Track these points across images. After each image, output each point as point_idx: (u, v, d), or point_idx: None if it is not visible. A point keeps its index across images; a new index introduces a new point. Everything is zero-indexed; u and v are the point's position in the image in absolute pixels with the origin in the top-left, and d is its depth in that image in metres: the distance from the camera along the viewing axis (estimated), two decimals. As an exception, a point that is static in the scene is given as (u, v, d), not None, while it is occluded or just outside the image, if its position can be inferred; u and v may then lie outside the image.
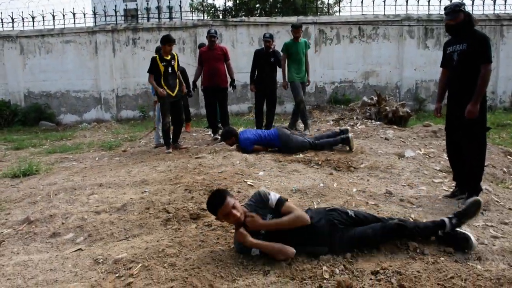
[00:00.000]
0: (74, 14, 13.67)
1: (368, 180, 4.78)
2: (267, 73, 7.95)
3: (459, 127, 4.08)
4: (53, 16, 13.60)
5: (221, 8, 17.67)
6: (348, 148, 6.10)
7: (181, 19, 13.85)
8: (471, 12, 4.23)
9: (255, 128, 7.95)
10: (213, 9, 17.73)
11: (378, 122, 8.58)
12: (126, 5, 15.01)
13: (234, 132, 6.43)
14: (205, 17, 15.70)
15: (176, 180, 4.85)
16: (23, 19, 13.85)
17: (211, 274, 2.63)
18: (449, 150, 4.38)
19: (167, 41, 6.79)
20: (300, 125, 8.35)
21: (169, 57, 6.87)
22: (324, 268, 2.63)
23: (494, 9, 13.35)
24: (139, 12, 14.63)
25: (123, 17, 15.22)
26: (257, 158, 5.58)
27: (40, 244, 3.58)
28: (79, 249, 3.36)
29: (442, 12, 11.15)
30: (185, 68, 8.78)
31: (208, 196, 3.04)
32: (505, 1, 13.47)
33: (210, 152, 6.42)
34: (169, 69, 6.82)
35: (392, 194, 4.19)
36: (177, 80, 7.00)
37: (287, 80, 7.96)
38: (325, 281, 2.52)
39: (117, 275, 2.81)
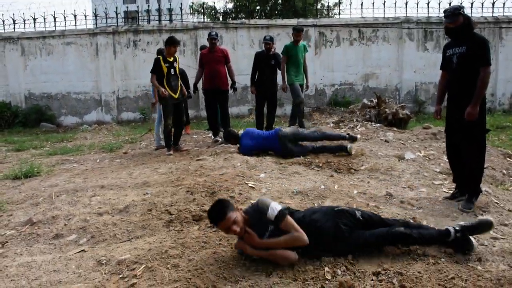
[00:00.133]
0: (75, 16, 13.73)
1: (368, 182, 4.81)
2: (267, 76, 8.00)
3: (459, 130, 4.11)
4: (54, 18, 13.65)
5: (222, 11, 17.74)
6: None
7: (182, 21, 13.90)
8: (470, 15, 4.27)
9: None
10: (213, 11, 17.81)
11: (378, 124, 8.61)
12: (127, 7, 15.03)
13: (235, 135, 6.48)
14: (206, 20, 15.75)
15: (177, 182, 4.87)
16: (24, 20, 13.90)
17: (214, 275, 2.66)
18: (449, 152, 4.41)
19: (172, 43, 6.85)
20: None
21: (172, 59, 6.92)
22: (326, 269, 2.66)
23: (493, 11, 13.42)
24: (140, 14, 14.67)
25: (123, 19, 15.25)
26: (258, 160, 5.61)
27: (43, 245, 3.60)
28: (82, 250, 3.38)
29: (441, 14, 11.18)
30: (185, 70, 8.81)
31: (211, 204, 2.95)
32: (504, 4, 13.54)
33: (211, 154, 6.44)
34: (172, 70, 6.87)
35: (393, 196, 4.22)
36: (179, 82, 7.05)
37: (286, 83, 8.01)
38: (327, 281, 2.55)
39: (120, 276, 2.84)
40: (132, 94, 13.56)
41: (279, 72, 8.09)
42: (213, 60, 7.72)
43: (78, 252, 3.36)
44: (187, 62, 12.24)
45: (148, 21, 15.13)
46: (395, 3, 13.46)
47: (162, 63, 6.80)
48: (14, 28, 13.90)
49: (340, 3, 15.95)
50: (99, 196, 4.73)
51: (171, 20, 15.20)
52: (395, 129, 8.16)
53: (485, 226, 2.91)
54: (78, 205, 4.49)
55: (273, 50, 8.03)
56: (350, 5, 18.60)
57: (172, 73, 6.89)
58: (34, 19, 13.74)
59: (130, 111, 13.60)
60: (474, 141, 4.02)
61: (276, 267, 2.74)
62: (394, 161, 5.63)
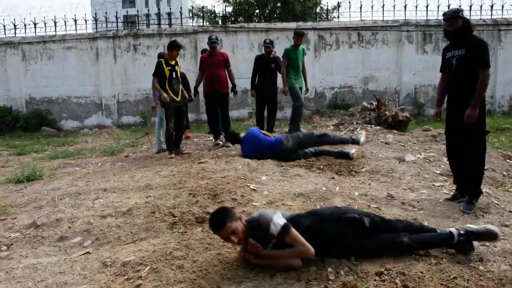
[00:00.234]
0: (75, 20, 13.80)
1: (369, 184, 4.85)
2: (267, 79, 8.05)
3: (458, 132, 4.15)
4: (55, 23, 13.73)
5: (221, 14, 17.81)
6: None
7: (182, 25, 13.97)
8: (468, 18, 4.32)
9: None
10: (212, 15, 17.88)
11: (378, 127, 8.65)
12: (127, 11, 15.10)
13: (238, 138, 6.50)
14: (205, 23, 15.82)
15: (180, 185, 4.90)
16: (25, 25, 13.97)
17: (219, 276, 2.69)
18: (449, 154, 4.45)
19: (175, 47, 6.91)
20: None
21: (174, 62, 6.98)
22: (329, 269, 2.68)
23: (491, 14, 13.50)
24: (140, 19, 14.74)
25: (122, 24, 15.32)
26: (260, 163, 5.64)
27: (48, 248, 3.63)
28: (87, 252, 3.41)
29: (440, 17, 11.22)
30: (185, 73, 8.85)
31: (213, 211, 2.95)
32: (502, 7, 13.64)
33: (213, 157, 6.47)
34: (173, 74, 6.94)
35: (394, 198, 4.26)
36: (180, 85, 7.10)
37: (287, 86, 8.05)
38: (330, 282, 2.58)
39: (126, 277, 2.87)
40: (132, 98, 13.61)
41: (279, 76, 8.14)
42: (214, 64, 7.75)
43: (83, 254, 3.39)
44: (187, 66, 12.29)
45: (148, 25, 15.19)
46: (394, 6, 13.54)
47: (164, 66, 6.85)
48: (15, 33, 13.99)
49: (339, 6, 16.04)
50: (102, 199, 4.76)
51: (170, 24, 15.27)
52: (395, 131, 8.20)
53: (490, 236, 2.89)
54: (81, 208, 4.52)
55: (273, 53, 8.08)
56: (349, 8, 18.52)
57: (174, 76, 6.95)
58: (35, 24, 13.82)
59: (130, 115, 13.65)
60: (473, 143, 4.05)
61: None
62: (394, 163, 5.67)
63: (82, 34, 13.76)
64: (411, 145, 6.95)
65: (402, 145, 6.84)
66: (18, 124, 13.26)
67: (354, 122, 9.25)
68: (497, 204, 4.13)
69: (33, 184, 6.17)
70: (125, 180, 5.62)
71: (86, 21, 14.00)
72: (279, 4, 18.37)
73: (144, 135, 9.66)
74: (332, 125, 9.38)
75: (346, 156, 5.87)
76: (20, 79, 13.61)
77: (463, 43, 4.07)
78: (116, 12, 13.59)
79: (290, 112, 8.66)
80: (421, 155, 6.23)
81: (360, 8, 13.58)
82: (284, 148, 5.98)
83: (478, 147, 4.08)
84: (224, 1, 18.62)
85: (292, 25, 13.38)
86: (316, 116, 11.32)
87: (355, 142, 6.32)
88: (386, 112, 8.86)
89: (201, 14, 16.80)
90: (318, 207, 3.92)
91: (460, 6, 12.79)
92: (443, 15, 4.21)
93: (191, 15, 15.07)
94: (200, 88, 8.22)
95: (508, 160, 6.19)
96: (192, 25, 14.09)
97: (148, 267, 2.90)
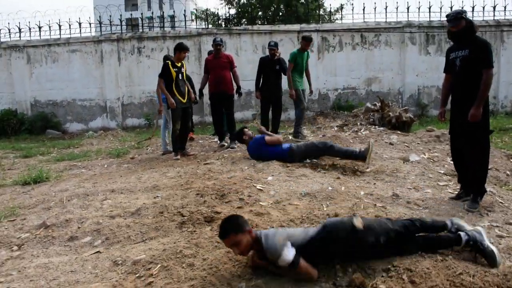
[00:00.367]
0: (80, 23, 13.92)
1: (374, 183, 4.90)
2: (272, 81, 8.12)
3: (462, 134, 4.20)
4: (59, 26, 13.84)
5: (224, 17, 17.89)
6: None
7: (186, 27, 14.06)
8: (471, 19, 4.36)
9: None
10: (215, 18, 17.95)
11: (382, 128, 8.70)
12: (131, 14, 15.19)
13: (247, 138, 6.38)
14: (209, 26, 15.90)
15: (187, 186, 4.95)
16: (30, 29, 14.07)
17: (229, 273, 2.74)
18: (453, 155, 4.51)
19: (182, 49, 7.02)
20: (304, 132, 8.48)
21: (180, 64, 7.07)
22: (337, 266, 2.73)
23: (494, 15, 13.53)
24: (144, 22, 14.82)
25: (125, 27, 15.40)
26: (265, 164, 5.68)
27: (59, 247, 3.68)
28: (97, 251, 3.46)
29: (443, 19, 11.18)
30: (190, 77, 8.91)
31: (224, 218, 2.94)
32: (505, 8, 13.67)
33: (218, 158, 6.53)
34: (180, 75, 7.02)
35: (399, 197, 4.31)
36: (186, 87, 7.18)
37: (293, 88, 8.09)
38: (338, 278, 2.63)
39: (137, 275, 2.92)
40: (136, 100, 13.70)
41: (283, 77, 8.20)
42: (218, 66, 7.82)
43: (94, 253, 3.44)
44: (191, 68, 12.37)
45: (149, 28, 15.28)
46: (397, 8, 13.59)
47: (171, 68, 6.94)
48: (19, 36, 14.10)
49: (342, 8, 16.10)
50: (110, 199, 4.82)
51: (172, 27, 15.37)
52: (398, 132, 8.25)
53: (490, 261, 2.77)
54: (90, 209, 4.58)
55: (277, 55, 8.14)
56: (352, 10, 18.77)
57: (180, 78, 7.04)
58: (40, 27, 13.93)
59: (135, 117, 13.74)
60: (477, 144, 4.09)
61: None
62: (399, 163, 5.72)
63: (86, 37, 13.88)
64: (415, 145, 6.99)
65: (406, 146, 6.88)
66: (23, 127, 13.36)
67: (358, 123, 9.30)
68: (501, 202, 4.17)
69: (40, 186, 6.22)
70: (132, 181, 5.68)
71: (90, 24, 14.09)
72: (282, 6, 18.43)
73: (147, 139, 9.71)
74: (336, 126, 9.42)
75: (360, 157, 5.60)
76: (25, 82, 13.72)
77: (466, 43, 4.12)
78: (121, 15, 13.69)
79: (293, 114, 8.71)
80: (425, 155, 6.28)
81: (363, 10, 13.65)
82: (292, 155, 5.90)
83: (482, 147, 4.12)
84: (227, 4, 18.71)
85: (296, 27, 13.47)
86: (320, 118, 11.36)
87: (361, 156, 5.80)
88: (390, 113, 8.91)
89: (204, 16, 16.86)
90: (324, 206, 3.97)
91: (463, 7, 12.87)
92: (447, 16, 4.26)
93: (192, 19, 15.15)
94: (205, 90, 8.27)
95: (511, 160, 6.22)
96: (196, 28, 14.18)
97: (159, 265, 2.95)
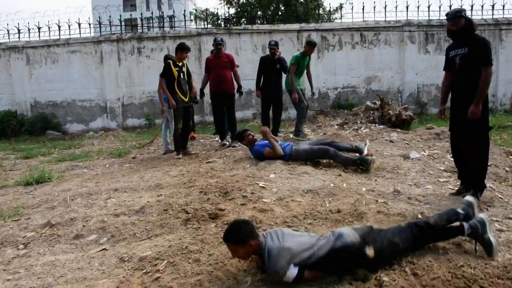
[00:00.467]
0: (79, 24, 13.94)
1: (375, 180, 4.95)
2: (273, 80, 8.16)
3: (462, 132, 4.26)
4: (59, 27, 13.83)
5: (223, 17, 17.92)
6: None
7: (185, 27, 14.09)
8: (470, 17, 4.42)
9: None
10: (215, 18, 17.99)
11: (382, 126, 8.76)
12: (131, 14, 15.22)
13: (249, 139, 6.27)
14: (208, 26, 15.93)
15: (190, 184, 5.00)
16: (29, 29, 14.06)
17: (235, 268, 2.79)
18: (453, 151, 4.56)
19: (184, 49, 7.10)
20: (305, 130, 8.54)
21: (181, 63, 7.13)
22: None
23: (492, 13, 13.59)
24: (144, 22, 14.85)
25: (125, 27, 15.43)
26: (267, 162, 5.73)
27: (65, 245, 3.73)
28: (103, 249, 3.50)
29: (442, 17, 11.23)
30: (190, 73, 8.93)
31: (231, 222, 2.93)
32: (503, 6, 13.72)
33: (220, 157, 6.58)
34: (181, 74, 7.09)
35: (400, 193, 4.36)
36: (188, 86, 7.24)
37: (290, 88, 8.12)
38: (342, 273, 2.68)
39: (144, 271, 2.97)
40: (137, 100, 13.72)
41: (284, 76, 8.25)
42: (219, 66, 7.86)
43: (100, 250, 3.48)
44: (191, 68, 12.15)
45: (149, 28, 15.32)
46: (396, 7, 13.63)
47: (173, 67, 6.99)
48: (19, 37, 14.09)
49: (341, 7, 16.16)
50: (114, 198, 4.86)
51: (171, 27, 15.40)
52: (398, 130, 8.31)
53: (488, 250, 2.84)
54: (94, 208, 4.62)
55: (278, 54, 8.19)
56: (352, 9, 18.84)
57: (182, 77, 7.12)
58: (39, 28, 13.93)
59: (135, 118, 13.77)
60: (476, 141, 4.16)
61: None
62: (399, 160, 5.78)
63: (86, 37, 13.89)
64: (415, 143, 7.05)
65: (406, 143, 6.93)
66: (23, 128, 13.35)
67: (358, 122, 9.36)
68: (500, 198, 4.23)
69: (42, 186, 6.26)
70: (135, 180, 5.73)
71: (90, 24, 14.10)
72: (281, 6, 18.48)
73: (150, 142, 9.70)
74: (337, 125, 9.48)
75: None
76: (25, 83, 13.73)
77: (466, 42, 4.17)
78: (120, 16, 13.72)
79: (294, 113, 8.75)
80: (425, 152, 6.34)
81: (363, 9, 13.69)
82: (293, 157, 5.86)
83: (481, 144, 4.18)
84: (226, 3, 18.75)
85: (295, 26, 13.52)
86: (320, 116, 11.42)
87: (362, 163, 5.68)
88: (390, 111, 8.96)
89: (204, 16, 16.90)
90: (326, 202, 4.02)
91: (461, 6, 12.91)
92: (446, 15, 4.32)
93: (191, 19, 15.16)
94: (206, 90, 8.31)
95: (510, 157, 6.29)
96: (196, 28, 14.21)
97: (165, 261, 3.00)
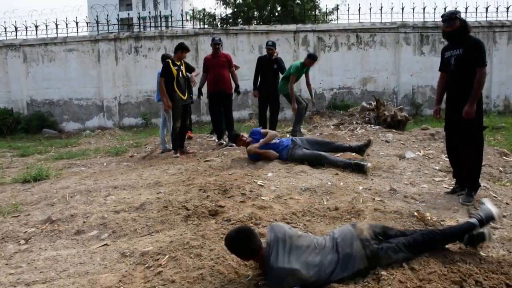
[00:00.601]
0: (77, 23, 13.93)
1: (372, 179, 5.02)
2: (270, 80, 8.23)
3: (456, 132, 4.35)
4: (56, 25, 13.84)
5: (220, 17, 17.96)
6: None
7: (183, 27, 14.13)
8: (465, 19, 4.52)
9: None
10: (211, 18, 18.03)
11: (377, 127, 8.83)
12: (128, 13, 15.25)
13: (243, 141, 6.24)
14: (205, 26, 15.97)
15: (189, 182, 5.06)
16: (26, 28, 14.05)
17: (236, 263, 2.85)
18: (448, 151, 4.65)
19: (184, 49, 7.19)
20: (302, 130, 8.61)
21: (179, 63, 7.19)
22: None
23: (486, 16, 13.74)
24: (140, 21, 14.87)
25: (121, 26, 15.44)
26: (265, 161, 5.79)
27: (66, 241, 3.77)
28: (105, 244, 3.55)
29: (437, 19, 11.35)
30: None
31: (235, 229, 2.84)
32: (497, 9, 13.87)
33: (218, 155, 6.63)
34: (180, 73, 7.15)
35: (396, 191, 4.44)
36: (186, 85, 7.30)
37: (294, 103, 8.12)
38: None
39: (146, 265, 3.02)
40: (133, 99, 13.74)
41: (281, 76, 8.31)
42: (217, 65, 7.91)
43: (101, 246, 3.53)
44: (188, 67, 12.41)
45: (145, 27, 15.33)
46: (392, 9, 13.76)
47: (172, 67, 7.05)
48: (16, 35, 14.06)
49: (337, 8, 16.25)
50: (114, 195, 4.91)
51: (167, 27, 15.44)
52: (394, 130, 8.38)
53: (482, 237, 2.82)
54: (94, 204, 4.66)
55: (275, 55, 8.26)
56: (348, 10, 18.93)
57: (181, 76, 7.18)
58: (36, 26, 13.90)
59: (132, 117, 13.78)
60: (471, 141, 4.25)
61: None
62: (395, 160, 5.86)
63: (83, 36, 13.89)
64: (410, 143, 7.14)
65: (402, 143, 7.02)
66: (19, 126, 13.31)
67: (354, 122, 9.43)
68: (494, 197, 4.32)
69: (40, 183, 6.28)
70: (133, 178, 5.77)
71: (87, 23, 14.10)
72: (278, 6, 18.56)
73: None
74: (333, 125, 9.55)
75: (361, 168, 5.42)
76: (21, 81, 13.70)
77: (460, 43, 4.27)
78: (118, 15, 13.74)
79: (290, 113, 8.78)
80: (420, 152, 6.42)
81: (359, 10, 13.81)
82: (291, 157, 5.84)
83: (476, 144, 4.27)
84: (223, 4, 18.79)
85: (292, 27, 13.59)
86: (316, 117, 11.48)
87: (356, 149, 5.89)
88: (385, 112, 9.04)
89: (201, 16, 16.95)
90: (324, 200, 4.09)
91: (456, 8, 13.05)
92: (442, 16, 4.42)
93: (187, 19, 15.19)
94: (204, 89, 8.35)
95: (504, 157, 6.39)
96: (193, 27, 14.24)
97: (167, 256, 3.05)
